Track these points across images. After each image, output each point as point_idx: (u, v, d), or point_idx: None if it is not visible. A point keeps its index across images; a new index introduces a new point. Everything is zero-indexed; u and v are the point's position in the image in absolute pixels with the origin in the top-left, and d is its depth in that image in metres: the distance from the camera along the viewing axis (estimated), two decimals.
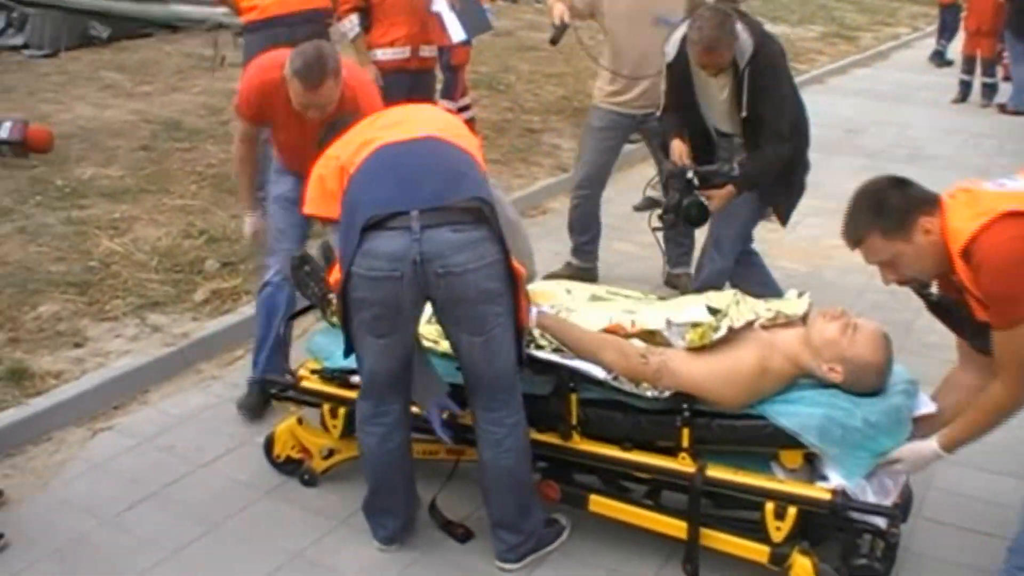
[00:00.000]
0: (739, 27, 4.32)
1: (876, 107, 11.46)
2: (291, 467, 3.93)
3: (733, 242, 4.83)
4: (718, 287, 4.55)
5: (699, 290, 4.23)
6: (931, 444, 3.04)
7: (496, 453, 3.27)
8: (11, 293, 5.23)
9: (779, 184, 4.64)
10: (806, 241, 6.85)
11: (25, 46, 11.31)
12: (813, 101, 11.73)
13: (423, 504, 3.64)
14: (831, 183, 8.20)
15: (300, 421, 3.90)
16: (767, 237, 6.86)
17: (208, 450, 4.18)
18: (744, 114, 4.43)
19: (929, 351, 5.14)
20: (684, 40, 4.48)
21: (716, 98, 4.55)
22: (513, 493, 3.33)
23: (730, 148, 4.71)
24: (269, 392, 4.12)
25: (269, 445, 3.96)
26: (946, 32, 14.63)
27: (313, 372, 3.84)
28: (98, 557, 3.52)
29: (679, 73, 4.60)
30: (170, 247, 5.81)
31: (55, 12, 10.85)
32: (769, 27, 15.20)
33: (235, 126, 4.41)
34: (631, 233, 6.40)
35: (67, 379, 4.55)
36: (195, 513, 3.76)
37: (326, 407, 3.81)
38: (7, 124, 3.41)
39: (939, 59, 14.62)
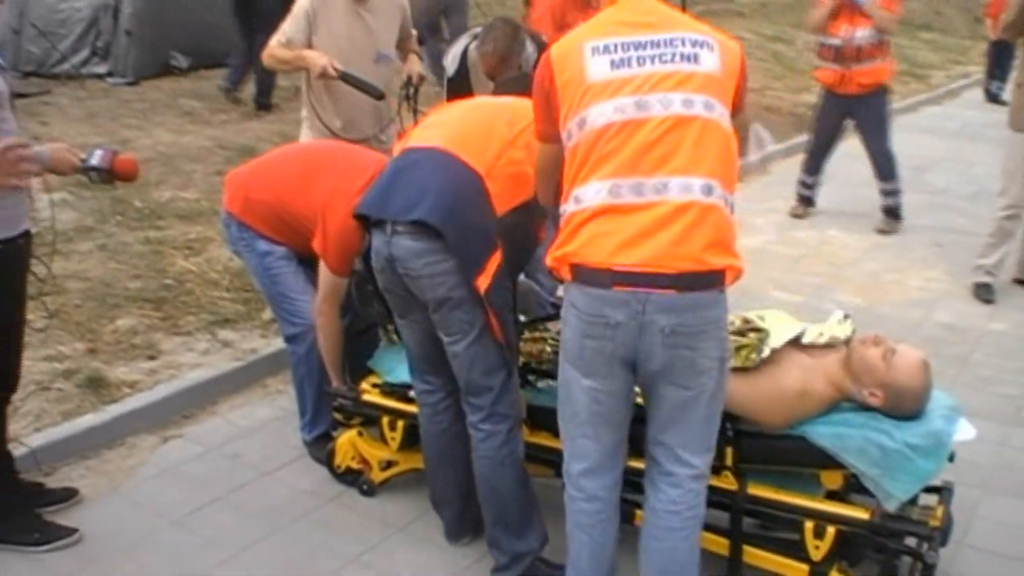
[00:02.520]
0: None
1: (944, 145, 11.41)
2: (351, 477, 4.08)
3: None
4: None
5: None
6: None
7: (475, 456, 3.46)
8: (91, 307, 5.48)
9: None
10: (865, 276, 6.88)
11: (109, 74, 11.73)
12: None
13: None
14: None
15: (360, 433, 4.06)
16: (824, 271, 6.94)
17: (273, 459, 4.35)
18: None
19: (984, 385, 5.20)
20: (464, 55, 4.59)
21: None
22: (490, 504, 3.49)
23: None
24: (331, 407, 4.30)
25: (330, 456, 4.12)
26: (998, 71, 13.97)
27: (374, 386, 4.00)
28: (166, 554, 3.70)
29: (460, 87, 4.72)
30: (241, 267, 5.98)
31: (137, 42, 11.28)
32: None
33: (326, 288, 4.01)
34: None
35: (141, 389, 4.76)
36: (259, 517, 3.93)
37: (385, 420, 3.97)
38: (98, 152, 3.63)
39: (992, 97, 14.00)
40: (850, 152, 11.02)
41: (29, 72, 11.67)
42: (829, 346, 3.42)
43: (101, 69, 11.75)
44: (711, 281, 2.74)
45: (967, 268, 6.80)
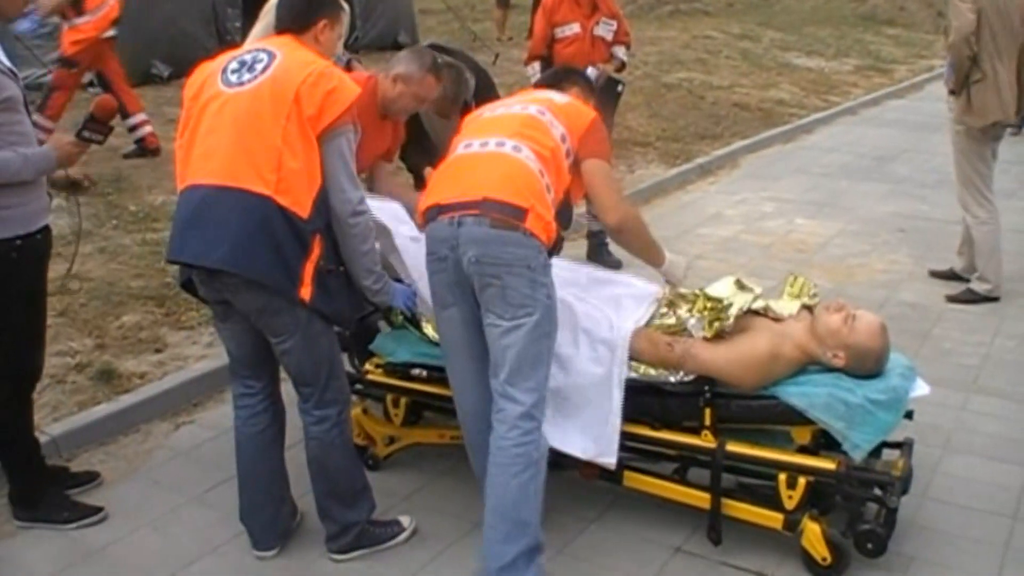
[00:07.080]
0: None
1: (907, 136, 11.77)
2: (357, 452, 4.30)
3: None
4: None
5: None
6: None
7: (306, 439, 3.68)
8: (96, 305, 5.74)
9: None
10: (831, 260, 7.21)
11: (91, 84, 11.94)
12: (845, 131, 12.19)
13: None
14: (857, 207, 8.65)
15: (365, 411, 4.34)
16: (793, 257, 7.26)
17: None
18: None
19: (944, 356, 5.53)
20: None
21: (448, 132, 4.47)
22: (320, 480, 3.70)
23: None
24: None
25: None
26: None
27: (378, 366, 4.27)
28: (189, 527, 3.97)
29: (413, 118, 4.89)
30: None
31: (120, 52, 11.51)
32: (804, 61, 15.44)
33: None
34: None
35: (150, 379, 5.03)
36: None
37: (389, 398, 4.26)
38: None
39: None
40: (818, 145, 11.44)
41: None
42: (798, 311, 3.74)
43: (84, 79, 11.93)
44: (513, 213, 3.26)
45: (928, 251, 7.17)
